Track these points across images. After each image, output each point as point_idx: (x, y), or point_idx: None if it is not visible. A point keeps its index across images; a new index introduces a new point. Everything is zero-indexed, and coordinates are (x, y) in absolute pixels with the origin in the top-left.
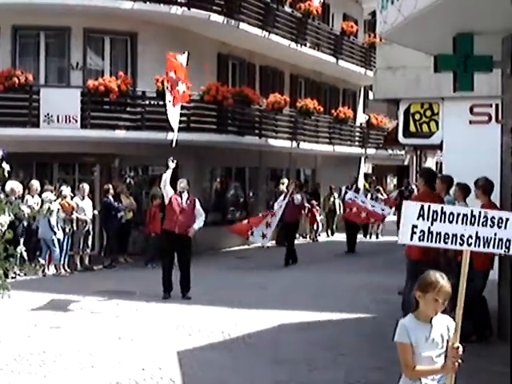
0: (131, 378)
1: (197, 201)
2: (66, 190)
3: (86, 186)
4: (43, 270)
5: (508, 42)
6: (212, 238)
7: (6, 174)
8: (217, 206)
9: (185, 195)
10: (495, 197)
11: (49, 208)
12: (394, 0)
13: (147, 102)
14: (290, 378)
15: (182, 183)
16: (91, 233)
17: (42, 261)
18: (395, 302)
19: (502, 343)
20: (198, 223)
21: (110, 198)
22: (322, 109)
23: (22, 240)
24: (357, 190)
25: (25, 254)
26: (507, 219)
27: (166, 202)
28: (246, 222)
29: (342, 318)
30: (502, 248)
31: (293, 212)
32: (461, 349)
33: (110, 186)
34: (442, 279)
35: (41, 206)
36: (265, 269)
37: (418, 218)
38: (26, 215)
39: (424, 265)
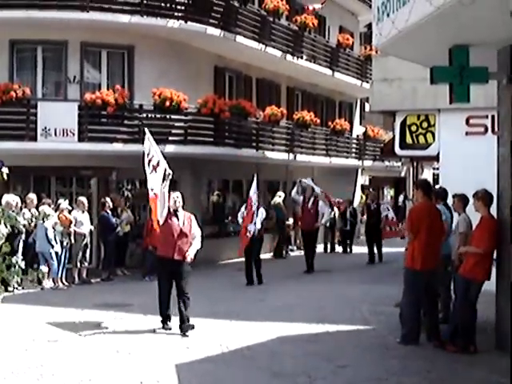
0: None
1: (193, 219)
2: (64, 203)
3: (83, 200)
4: (42, 278)
5: (503, 53)
6: (210, 250)
7: (5, 177)
8: (214, 219)
9: (181, 214)
10: (492, 208)
11: (45, 214)
12: (389, 13)
13: (144, 115)
14: None
15: (177, 200)
16: (89, 246)
17: (43, 269)
18: (394, 314)
19: (501, 354)
20: (195, 246)
21: (108, 211)
22: (318, 121)
23: (19, 252)
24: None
25: (22, 264)
26: None
27: (161, 222)
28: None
29: (341, 330)
30: None
31: (311, 220)
32: None
33: (108, 200)
34: None
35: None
36: (263, 281)
37: None
38: (23, 227)
39: (423, 276)
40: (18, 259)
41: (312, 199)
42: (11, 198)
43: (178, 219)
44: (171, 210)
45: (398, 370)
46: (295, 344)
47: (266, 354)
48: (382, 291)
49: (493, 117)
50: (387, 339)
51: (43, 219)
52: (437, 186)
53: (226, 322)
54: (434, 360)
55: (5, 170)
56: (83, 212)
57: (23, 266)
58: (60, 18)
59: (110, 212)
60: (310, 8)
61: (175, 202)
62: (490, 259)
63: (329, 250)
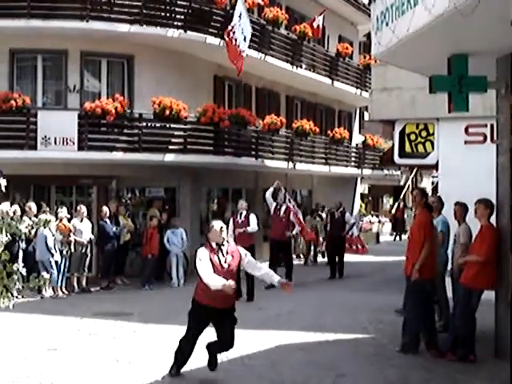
0: None
1: (243, 252)
2: (63, 211)
3: (83, 208)
4: (44, 285)
5: (502, 62)
6: None
7: (3, 189)
8: None
9: (225, 246)
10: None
11: (46, 220)
12: (388, 22)
13: (144, 124)
14: None
15: (221, 231)
16: (88, 255)
17: (45, 275)
18: (393, 323)
19: (500, 363)
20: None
21: (107, 220)
22: (317, 129)
23: (20, 260)
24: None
25: (24, 271)
26: None
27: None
28: None
29: (340, 339)
30: None
31: (281, 229)
32: None
33: (106, 209)
34: None
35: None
36: (263, 289)
37: None
38: (23, 234)
39: (429, 285)
40: (19, 266)
41: (284, 207)
42: (6, 207)
43: (222, 253)
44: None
45: (397, 380)
46: (295, 353)
47: (266, 362)
48: (380, 299)
49: (492, 126)
50: (386, 348)
51: (44, 225)
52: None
53: None
54: (434, 369)
55: (3, 182)
56: (82, 220)
57: (24, 273)
58: (60, 27)
59: (108, 220)
60: (315, 25)
61: (218, 233)
62: (492, 268)
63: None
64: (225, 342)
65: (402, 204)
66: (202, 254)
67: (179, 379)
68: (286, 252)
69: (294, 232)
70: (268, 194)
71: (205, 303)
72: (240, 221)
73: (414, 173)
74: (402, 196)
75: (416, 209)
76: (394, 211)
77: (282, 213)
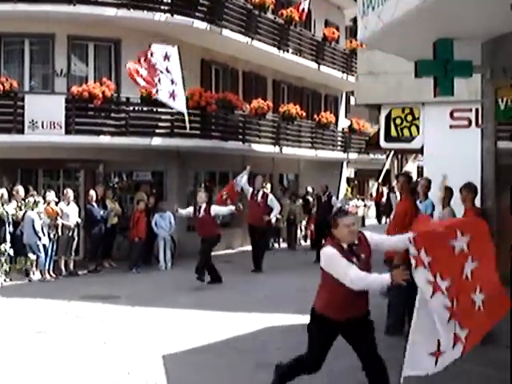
0: (116, 382)
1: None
2: (51, 195)
3: (70, 192)
4: (31, 266)
5: (487, 47)
6: (196, 242)
7: None
8: None
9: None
10: (476, 201)
11: (35, 201)
12: (374, 6)
13: (131, 108)
14: None
15: (352, 226)
16: (76, 238)
17: (32, 256)
18: (378, 305)
19: (486, 347)
20: None
21: (94, 204)
22: (304, 114)
23: (8, 241)
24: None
25: (11, 252)
26: None
27: None
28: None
29: None
30: None
31: (259, 215)
32: None
33: (93, 193)
34: None
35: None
36: (249, 273)
37: None
38: (10, 217)
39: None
40: (7, 247)
41: (261, 192)
42: None
43: None
44: None
45: (385, 361)
46: (281, 335)
47: (253, 344)
48: None
49: (477, 110)
50: None
51: (32, 208)
52: (421, 179)
53: (213, 313)
54: None
55: None
56: (69, 204)
57: (12, 254)
58: (47, 11)
59: (95, 204)
60: (301, 8)
61: None
62: None
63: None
64: (375, 358)
65: (381, 188)
66: (336, 257)
67: (173, 362)
68: (262, 237)
69: (272, 216)
70: (243, 182)
71: (339, 316)
72: (201, 215)
73: (390, 157)
74: (380, 180)
75: (401, 194)
76: (374, 195)
77: (259, 198)
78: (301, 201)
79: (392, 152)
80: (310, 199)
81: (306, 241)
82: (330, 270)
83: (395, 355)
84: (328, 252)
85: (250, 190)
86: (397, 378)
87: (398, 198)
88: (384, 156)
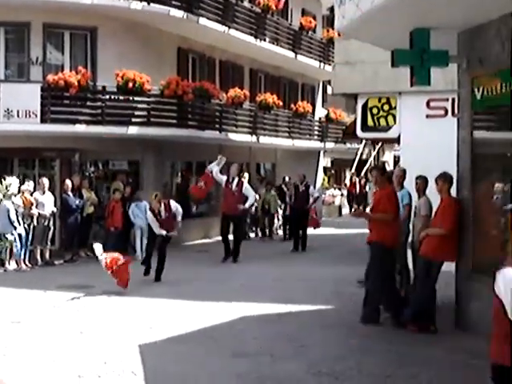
0: (93, 372)
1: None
2: (25, 185)
3: (45, 181)
4: (9, 246)
5: (464, 36)
6: None
7: None
8: (178, 201)
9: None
10: (452, 190)
11: (8, 184)
12: None
13: (107, 97)
14: (251, 370)
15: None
16: (52, 228)
17: (9, 237)
18: (355, 294)
19: (460, 333)
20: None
21: (69, 193)
22: (281, 103)
23: None
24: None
25: None
26: None
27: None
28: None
29: (302, 310)
30: None
31: (234, 204)
32: None
33: (69, 182)
34: None
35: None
36: (226, 262)
37: None
38: None
39: (393, 254)
40: None
41: (236, 180)
42: None
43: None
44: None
45: (358, 350)
46: (258, 324)
47: (229, 334)
48: (342, 271)
49: (453, 99)
50: (348, 319)
51: (5, 194)
52: (398, 168)
53: (190, 303)
54: (395, 340)
55: None
56: (44, 193)
57: None
58: None
59: (71, 194)
60: None
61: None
62: (453, 240)
63: (263, 235)
64: None
65: (354, 178)
66: None
67: (149, 351)
68: (238, 226)
69: (247, 205)
70: (214, 171)
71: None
72: (164, 216)
73: (361, 147)
74: (353, 170)
75: (376, 185)
76: (347, 185)
77: (233, 186)
78: (273, 191)
79: (363, 142)
80: (285, 188)
81: (279, 231)
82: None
83: (370, 344)
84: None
85: (224, 178)
86: (373, 367)
87: (373, 189)
88: (361, 145)
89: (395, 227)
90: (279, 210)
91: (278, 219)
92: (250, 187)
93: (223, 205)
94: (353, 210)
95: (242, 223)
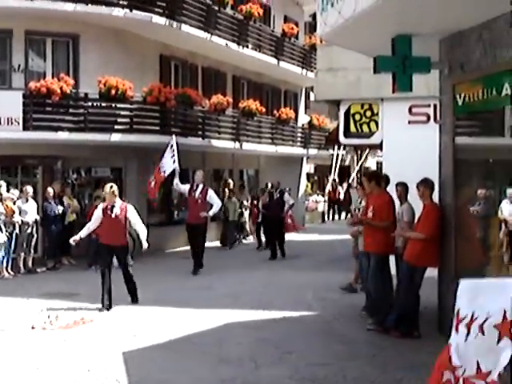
0: (77, 380)
1: (129, 208)
2: (15, 193)
3: (29, 189)
4: None
5: (445, 43)
6: (157, 238)
7: None
8: (161, 208)
9: (117, 207)
10: (434, 196)
11: None
12: (333, 2)
13: (90, 104)
14: (235, 376)
15: (109, 192)
16: (35, 235)
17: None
18: (338, 300)
19: (443, 338)
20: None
21: (51, 201)
22: (264, 110)
23: None
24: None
25: None
26: None
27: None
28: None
29: (286, 317)
30: None
31: (198, 213)
32: None
33: (50, 190)
34: None
35: None
36: (210, 269)
37: None
38: None
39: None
40: None
41: (200, 187)
42: None
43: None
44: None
45: (343, 355)
46: (242, 331)
47: (213, 340)
48: (324, 277)
49: (435, 106)
50: (332, 325)
51: None
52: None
53: (174, 310)
54: (380, 345)
55: None
56: (27, 201)
57: None
58: (4, 6)
59: (52, 201)
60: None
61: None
62: (436, 245)
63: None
64: None
65: (335, 185)
66: None
67: (133, 358)
68: (201, 235)
69: (210, 213)
70: (175, 182)
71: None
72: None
73: (341, 153)
74: (332, 177)
75: (370, 192)
76: (327, 191)
77: (197, 194)
78: (234, 198)
79: (346, 148)
80: (252, 196)
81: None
82: None
83: (355, 350)
84: None
85: (187, 187)
86: (358, 373)
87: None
88: (340, 151)
89: (390, 233)
90: (245, 217)
91: (244, 227)
92: (214, 195)
93: (188, 214)
94: (348, 217)
95: (205, 233)
